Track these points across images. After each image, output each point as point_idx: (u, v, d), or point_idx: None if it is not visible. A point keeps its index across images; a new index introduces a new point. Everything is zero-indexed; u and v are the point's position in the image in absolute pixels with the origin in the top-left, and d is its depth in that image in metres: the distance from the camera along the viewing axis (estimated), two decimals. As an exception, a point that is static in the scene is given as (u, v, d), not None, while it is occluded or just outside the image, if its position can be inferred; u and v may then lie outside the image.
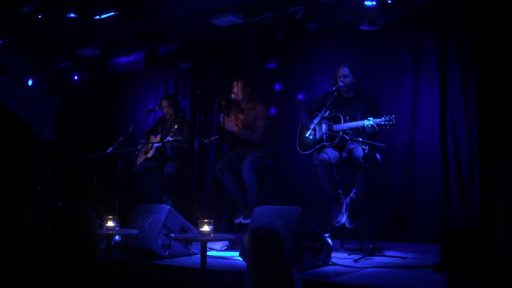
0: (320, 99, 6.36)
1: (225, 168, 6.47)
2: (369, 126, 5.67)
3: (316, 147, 6.04)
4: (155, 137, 7.71)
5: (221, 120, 6.54)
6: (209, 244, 5.46)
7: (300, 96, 8.03)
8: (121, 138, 7.09)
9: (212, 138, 7.35)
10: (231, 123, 6.61)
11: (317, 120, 5.86)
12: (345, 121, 6.01)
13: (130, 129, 7.34)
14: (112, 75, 9.59)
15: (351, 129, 5.94)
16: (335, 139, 6.04)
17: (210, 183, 8.64)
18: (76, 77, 9.34)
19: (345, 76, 6.06)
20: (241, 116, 6.74)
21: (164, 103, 7.59)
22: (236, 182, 6.61)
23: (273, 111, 8.10)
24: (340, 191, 6.10)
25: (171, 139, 6.91)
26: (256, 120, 6.59)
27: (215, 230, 4.74)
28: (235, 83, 6.73)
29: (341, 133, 5.95)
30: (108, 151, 6.95)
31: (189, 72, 9.10)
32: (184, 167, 7.56)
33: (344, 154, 6.22)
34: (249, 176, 6.42)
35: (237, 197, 6.63)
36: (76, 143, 9.35)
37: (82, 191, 7.02)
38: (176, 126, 7.43)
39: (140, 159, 7.69)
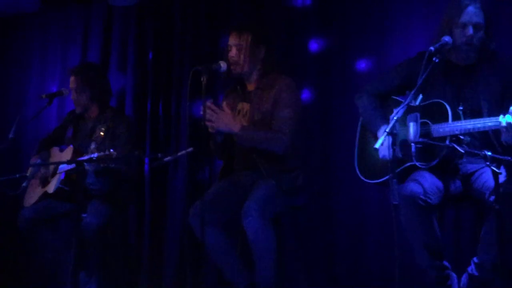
0: (404, 69, 4.67)
1: (208, 214, 4.65)
2: (509, 127, 4.18)
3: (398, 169, 4.34)
4: (61, 151, 5.68)
5: (204, 113, 4.74)
6: None
7: (361, 65, 6.02)
8: None
9: (181, 153, 5.01)
10: (224, 117, 4.80)
11: (399, 115, 4.13)
12: (456, 117, 4.41)
13: (10, 136, 5.44)
14: None
15: (469, 133, 4.34)
16: (437, 154, 4.39)
17: (175, 245, 6.46)
18: None
19: (477, 27, 4.33)
20: (245, 105, 4.96)
21: (74, 81, 5.72)
22: (230, 242, 4.79)
23: (305, 94, 6.11)
24: (446, 262, 4.43)
25: (95, 155, 4.87)
26: (277, 109, 4.81)
27: None
28: (232, 38, 4.90)
29: (448, 142, 4.30)
30: None
31: (131, 15, 6.91)
32: (121, 213, 5.77)
33: (455, 184, 4.51)
34: (259, 230, 4.57)
35: (232, 276, 4.80)
36: None
37: None
38: (103, 129, 5.60)
39: (33, 197, 5.68)
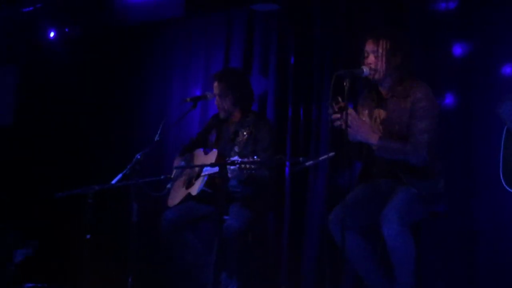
0: None
1: (348, 219, 4.69)
2: None
3: None
4: (205, 154, 5.81)
5: (340, 120, 4.67)
6: None
7: (506, 70, 5.78)
8: (138, 156, 5.24)
9: (323, 158, 5.23)
10: (363, 126, 4.74)
11: None
12: None
13: (156, 139, 5.43)
14: (120, 29, 7.70)
15: None
16: None
17: (314, 250, 6.41)
18: (52, 33, 7.73)
19: None
20: (381, 112, 4.89)
21: (218, 86, 5.81)
22: (369, 248, 4.76)
23: (448, 100, 5.98)
24: None
25: (239, 159, 4.92)
26: (414, 120, 4.72)
27: None
28: (370, 45, 4.85)
29: None
30: (113, 181, 5.24)
31: (273, 20, 6.90)
32: (261, 217, 5.81)
33: None
34: (398, 237, 4.51)
35: (371, 283, 4.80)
36: (50, 161, 7.63)
37: (60, 263, 6.60)
38: (246, 134, 5.68)
39: (176, 198, 5.85)
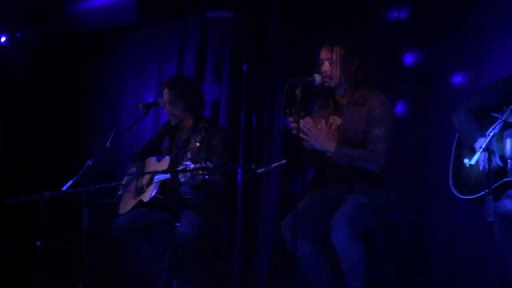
0: (501, 85, 4.65)
1: (300, 226, 4.66)
2: None
3: (493, 186, 4.31)
4: (158, 161, 5.77)
5: (295, 127, 4.70)
6: None
7: (457, 79, 5.94)
8: (89, 163, 5.25)
9: (275, 165, 5.18)
10: (320, 134, 4.75)
11: (495, 131, 4.14)
12: None
13: (108, 145, 5.42)
14: (73, 35, 7.62)
15: None
16: None
17: (266, 257, 6.45)
18: (3, 38, 7.69)
19: None
20: (336, 119, 4.91)
21: (168, 93, 5.82)
22: (321, 255, 4.75)
23: (400, 108, 6.14)
24: None
25: (192, 165, 4.93)
26: (371, 127, 4.77)
27: None
28: (324, 52, 4.88)
29: None
30: (64, 188, 5.26)
31: (228, 27, 6.99)
32: (214, 224, 5.83)
33: None
34: (348, 244, 4.55)
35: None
36: (0, 167, 7.59)
37: (10, 270, 6.55)
38: (198, 140, 5.66)
39: (128, 205, 5.78)
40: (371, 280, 4.76)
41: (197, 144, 5.60)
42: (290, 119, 4.77)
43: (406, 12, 6.21)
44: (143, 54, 7.64)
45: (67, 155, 7.31)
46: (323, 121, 4.92)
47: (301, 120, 4.68)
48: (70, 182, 5.20)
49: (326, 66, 4.77)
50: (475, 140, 4.40)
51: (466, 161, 4.52)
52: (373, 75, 5.03)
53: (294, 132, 4.72)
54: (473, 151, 4.37)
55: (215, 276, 6.09)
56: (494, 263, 4.19)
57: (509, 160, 4.29)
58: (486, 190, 4.13)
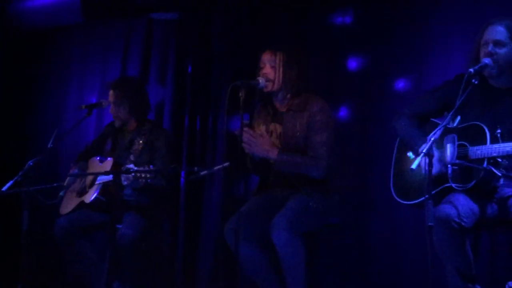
0: (442, 91, 4.63)
1: (243, 229, 4.62)
2: None
3: (433, 191, 4.25)
4: (100, 163, 5.74)
5: (240, 131, 4.73)
6: None
7: (400, 85, 5.97)
8: (30, 163, 5.15)
9: (217, 168, 5.06)
10: (262, 142, 4.78)
11: (436, 137, 4.08)
12: (495, 140, 4.34)
13: (50, 146, 5.35)
14: (15, 34, 7.52)
15: (508, 156, 4.23)
16: (474, 176, 4.30)
17: (209, 259, 6.43)
18: None
19: (497, 43, 4.33)
20: (277, 127, 4.92)
21: (113, 95, 5.76)
22: (264, 256, 4.76)
23: (343, 113, 6.17)
24: (478, 286, 4.30)
25: (134, 167, 5.01)
26: (312, 133, 4.78)
27: None
28: (267, 55, 4.90)
29: (486, 164, 4.24)
30: (4, 188, 5.15)
31: (172, 29, 6.93)
32: (157, 226, 5.78)
33: (492, 208, 4.42)
34: (288, 244, 4.57)
35: None
36: None
37: None
38: (142, 143, 5.65)
39: (69, 206, 5.74)
40: (312, 282, 4.76)
41: (141, 146, 5.60)
42: (238, 131, 4.79)
43: (351, 17, 6.23)
44: (86, 55, 7.55)
45: (8, 155, 7.18)
46: (263, 127, 4.96)
47: (242, 130, 4.71)
48: (10, 183, 5.12)
49: (267, 69, 4.79)
50: (418, 146, 4.44)
51: (413, 165, 4.16)
52: (311, 82, 5.05)
53: (241, 142, 4.75)
54: (413, 155, 4.44)
55: (156, 278, 6.04)
56: (433, 267, 4.07)
57: (449, 166, 4.33)
58: (426, 196, 4.09)
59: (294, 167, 4.75)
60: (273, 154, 4.74)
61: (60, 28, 7.56)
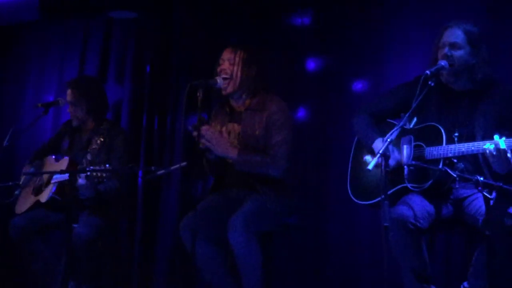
0: (400, 92, 4.65)
1: (199, 228, 4.66)
2: (497, 152, 4.07)
3: (390, 191, 4.32)
4: (56, 161, 5.66)
5: (196, 130, 4.70)
6: None
7: (358, 86, 6.01)
8: None
9: (175, 167, 5.10)
10: (221, 141, 4.76)
11: (393, 137, 4.07)
12: (450, 141, 4.36)
13: (5, 144, 5.51)
14: None
15: (463, 156, 4.27)
16: (430, 177, 4.32)
17: (166, 259, 6.40)
18: None
19: (453, 46, 4.36)
20: (235, 126, 4.91)
21: (71, 94, 5.70)
22: (220, 256, 4.76)
23: (301, 113, 6.16)
24: (433, 287, 4.31)
25: (90, 167, 4.89)
26: (271, 133, 4.76)
27: None
28: (227, 53, 4.90)
29: (441, 165, 4.25)
30: None
31: (131, 28, 6.94)
32: (112, 225, 5.69)
33: (447, 209, 4.45)
34: (244, 244, 4.54)
35: None
36: None
37: None
38: (99, 142, 5.60)
39: (25, 205, 5.66)
40: (269, 282, 4.73)
41: (98, 146, 5.55)
42: (191, 128, 4.77)
43: (309, 18, 6.22)
44: (44, 53, 7.47)
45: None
46: (223, 128, 4.93)
47: (202, 128, 4.67)
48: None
49: (226, 65, 4.78)
50: (372, 141, 4.49)
51: (370, 165, 4.23)
52: (270, 82, 5.02)
53: (198, 140, 4.70)
54: (371, 153, 4.47)
55: (112, 277, 6.00)
56: (388, 266, 4.10)
57: (405, 166, 4.31)
58: (382, 196, 4.09)
59: (254, 167, 4.73)
60: (233, 153, 4.73)
61: (17, 26, 7.50)
